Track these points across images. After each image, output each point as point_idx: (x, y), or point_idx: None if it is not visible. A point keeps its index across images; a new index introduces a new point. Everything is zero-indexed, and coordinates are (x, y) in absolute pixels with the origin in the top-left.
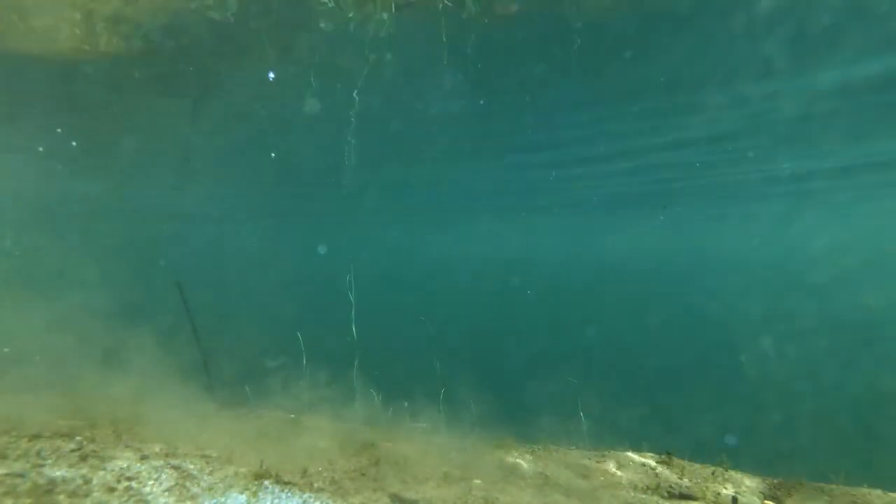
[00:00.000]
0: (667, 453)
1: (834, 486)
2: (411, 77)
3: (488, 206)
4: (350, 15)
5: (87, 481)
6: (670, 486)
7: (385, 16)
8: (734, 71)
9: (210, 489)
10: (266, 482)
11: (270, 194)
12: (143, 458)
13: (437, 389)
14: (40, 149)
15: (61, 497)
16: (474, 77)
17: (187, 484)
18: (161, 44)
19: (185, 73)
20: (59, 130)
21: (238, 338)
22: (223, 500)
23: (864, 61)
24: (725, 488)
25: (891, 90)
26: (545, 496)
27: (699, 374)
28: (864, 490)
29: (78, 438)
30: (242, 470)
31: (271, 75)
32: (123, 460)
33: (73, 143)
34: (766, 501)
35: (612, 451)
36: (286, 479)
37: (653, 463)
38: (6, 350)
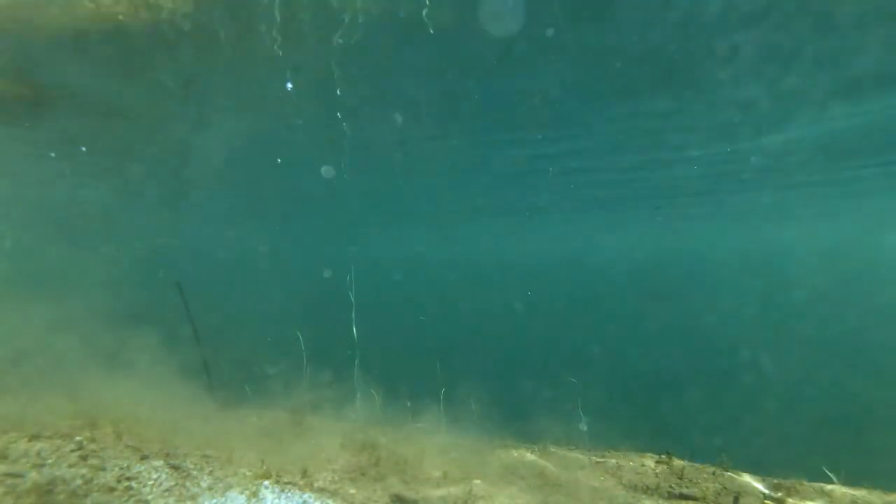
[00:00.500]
0: (667, 453)
1: (834, 486)
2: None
3: (491, 208)
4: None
5: (88, 481)
6: (670, 486)
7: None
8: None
9: (210, 489)
10: (266, 482)
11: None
12: (143, 458)
13: (437, 389)
14: (52, 154)
15: (61, 497)
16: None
17: (187, 484)
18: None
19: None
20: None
21: (241, 338)
22: (223, 500)
23: None
24: (726, 488)
25: None
26: (545, 496)
27: (700, 375)
28: (864, 490)
29: (78, 438)
30: (242, 470)
31: (289, 86)
32: (123, 460)
33: (83, 149)
34: (766, 501)
35: (612, 452)
36: (286, 479)
37: (653, 463)
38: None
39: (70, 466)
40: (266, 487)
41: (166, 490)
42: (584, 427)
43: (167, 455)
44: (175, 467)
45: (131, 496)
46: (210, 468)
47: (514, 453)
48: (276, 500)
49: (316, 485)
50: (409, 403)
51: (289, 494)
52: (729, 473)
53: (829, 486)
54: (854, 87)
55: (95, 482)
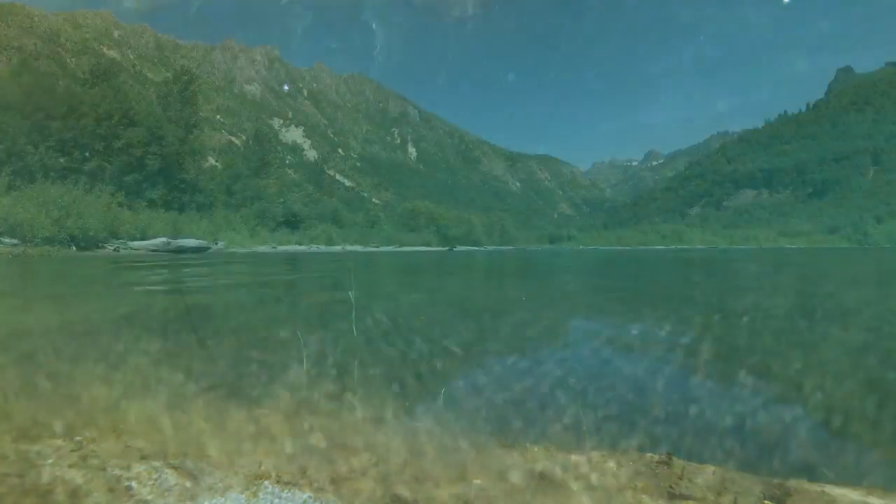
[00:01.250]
0: (667, 453)
1: (834, 487)
2: None
3: None
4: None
5: (87, 481)
6: (670, 486)
7: None
8: None
9: (210, 489)
10: (266, 482)
11: None
12: (143, 457)
13: (437, 388)
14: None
15: (61, 497)
16: None
17: (187, 484)
18: None
19: None
20: None
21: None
22: (223, 500)
23: None
24: (726, 488)
25: None
26: (545, 496)
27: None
28: (864, 490)
29: (78, 438)
30: (242, 470)
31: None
32: (123, 460)
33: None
34: (765, 501)
35: (612, 452)
36: (286, 479)
37: (653, 463)
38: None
39: (70, 466)
40: (266, 487)
41: (166, 490)
42: (584, 427)
43: (167, 455)
44: (175, 467)
45: (131, 496)
46: (210, 468)
47: (514, 453)
48: (276, 500)
49: (315, 484)
50: (408, 403)
51: (288, 494)
52: (730, 473)
53: (829, 487)
54: None
55: (95, 482)
